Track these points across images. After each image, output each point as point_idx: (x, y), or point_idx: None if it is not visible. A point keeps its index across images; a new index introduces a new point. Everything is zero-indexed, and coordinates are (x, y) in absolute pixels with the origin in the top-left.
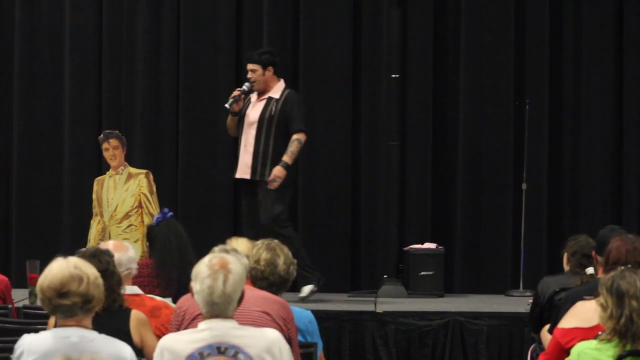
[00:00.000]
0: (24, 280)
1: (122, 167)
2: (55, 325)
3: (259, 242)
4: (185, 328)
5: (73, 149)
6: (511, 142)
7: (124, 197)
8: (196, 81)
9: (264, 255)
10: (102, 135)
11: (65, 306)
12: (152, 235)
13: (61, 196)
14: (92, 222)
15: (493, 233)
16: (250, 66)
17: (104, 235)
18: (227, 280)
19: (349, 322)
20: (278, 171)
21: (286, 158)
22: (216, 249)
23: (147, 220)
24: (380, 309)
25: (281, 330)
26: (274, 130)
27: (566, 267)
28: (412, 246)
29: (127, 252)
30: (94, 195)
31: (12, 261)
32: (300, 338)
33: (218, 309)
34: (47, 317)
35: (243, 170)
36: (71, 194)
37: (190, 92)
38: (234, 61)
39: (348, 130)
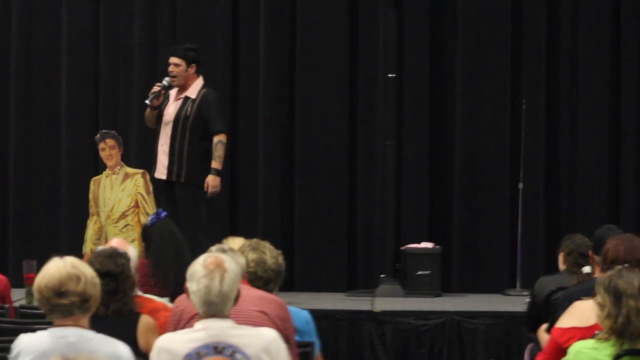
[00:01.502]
0: (20, 280)
1: (118, 167)
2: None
3: (241, 246)
4: (183, 328)
5: (70, 148)
6: (508, 141)
7: (120, 196)
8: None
9: (251, 256)
10: (98, 135)
11: (63, 306)
12: (147, 235)
13: (58, 196)
14: (88, 221)
15: (490, 232)
16: (173, 59)
17: (101, 234)
18: (223, 279)
19: (346, 322)
20: (212, 180)
21: (215, 164)
22: (213, 248)
23: (143, 220)
24: (378, 308)
25: (278, 330)
26: (189, 130)
27: (562, 267)
28: (409, 245)
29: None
30: (90, 195)
31: (9, 261)
32: (297, 338)
33: (215, 308)
34: (44, 317)
35: (160, 170)
36: (68, 193)
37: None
38: (230, 61)
39: (345, 130)
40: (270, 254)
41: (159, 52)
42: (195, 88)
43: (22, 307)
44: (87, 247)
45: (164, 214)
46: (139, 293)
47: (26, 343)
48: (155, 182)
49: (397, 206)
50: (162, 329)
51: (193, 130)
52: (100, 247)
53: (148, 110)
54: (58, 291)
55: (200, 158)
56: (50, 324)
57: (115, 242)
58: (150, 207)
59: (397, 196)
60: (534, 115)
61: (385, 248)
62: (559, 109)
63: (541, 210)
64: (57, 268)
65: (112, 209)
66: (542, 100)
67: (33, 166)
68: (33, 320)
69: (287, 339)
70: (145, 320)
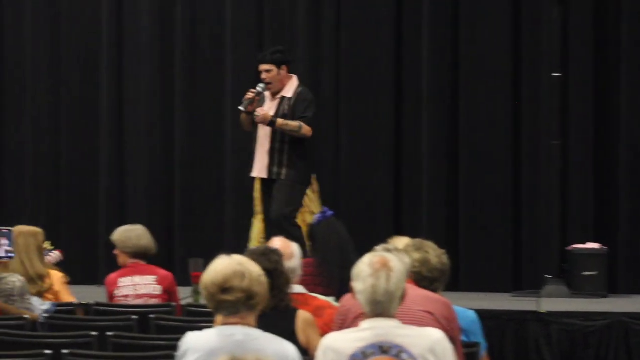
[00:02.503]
0: (187, 278)
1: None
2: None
3: (405, 246)
4: (349, 327)
5: (235, 147)
6: None
7: None
8: (357, 81)
9: (415, 256)
10: None
11: (228, 302)
12: (313, 234)
13: (223, 194)
14: (254, 220)
15: None
16: (263, 67)
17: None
18: (389, 278)
19: (512, 322)
20: (265, 114)
21: (280, 120)
22: (378, 248)
23: (309, 219)
24: (544, 309)
25: (444, 330)
26: None
27: None
28: (575, 246)
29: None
30: (255, 194)
31: (176, 260)
32: (463, 338)
33: (381, 307)
34: (210, 315)
35: (259, 170)
36: (233, 192)
37: (351, 91)
38: (394, 59)
39: (509, 130)
40: (434, 254)
41: (323, 50)
42: (291, 87)
43: (188, 305)
44: (253, 246)
45: (329, 213)
46: (304, 291)
47: (194, 341)
48: (251, 181)
49: (562, 206)
50: (327, 327)
51: (285, 120)
52: (252, 247)
53: (243, 114)
54: (223, 287)
55: (299, 156)
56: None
57: (277, 241)
58: (316, 206)
59: (563, 196)
60: None
61: (551, 248)
62: None
63: None
64: (223, 265)
65: None
66: None
67: (198, 165)
68: (199, 319)
69: (452, 339)
70: (303, 315)
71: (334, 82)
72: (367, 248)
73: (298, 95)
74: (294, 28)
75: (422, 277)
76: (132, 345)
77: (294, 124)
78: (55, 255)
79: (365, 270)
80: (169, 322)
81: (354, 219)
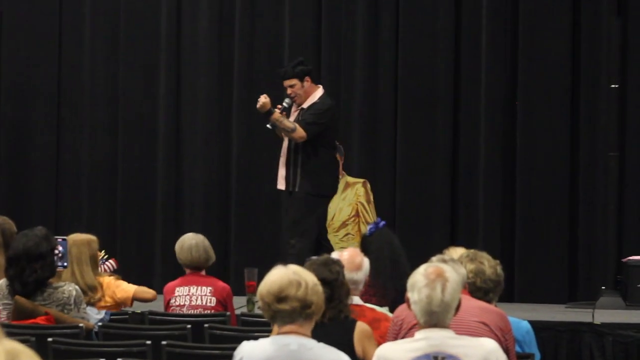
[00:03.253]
0: (242, 288)
1: (340, 176)
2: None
3: (459, 257)
4: (403, 337)
5: None
6: None
7: (341, 206)
8: (414, 88)
9: (469, 267)
10: None
11: (284, 312)
12: (366, 244)
13: (278, 204)
14: None
15: None
16: (287, 82)
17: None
18: (445, 288)
19: (566, 333)
20: (265, 102)
21: (276, 114)
22: (434, 258)
23: (364, 229)
24: (598, 320)
25: (498, 341)
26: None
27: None
28: (631, 257)
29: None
30: None
31: (231, 269)
32: (517, 349)
33: (436, 318)
34: (264, 324)
35: (280, 181)
36: None
37: (408, 99)
38: (453, 67)
39: (566, 141)
40: (489, 264)
41: (381, 59)
42: (312, 98)
43: (243, 314)
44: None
45: (382, 223)
46: (361, 302)
47: (248, 350)
48: (276, 192)
49: (618, 217)
50: (382, 340)
51: (306, 139)
52: (314, 257)
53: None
54: (278, 296)
55: (313, 167)
56: (271, 332)
57: (348, 252)
58: (370, 216)
59: (619, 207)
60: None
61: (607, 260)
62: None
63: None
64: (279, 275)
65: (332, 218)
66: None
67: (254, 174)
68: (254, 328)
69: (507, 350)
70: (361, 327)
71: (392, 94)
72: (422, 258)
73: (312, 104)
74: (352, 39)
75: (476, 288)
76: (185, 355)
77: (289, 123)
78: (109, 264)
79: (420, 280)
80: (223, 331)
81: (410, 229)
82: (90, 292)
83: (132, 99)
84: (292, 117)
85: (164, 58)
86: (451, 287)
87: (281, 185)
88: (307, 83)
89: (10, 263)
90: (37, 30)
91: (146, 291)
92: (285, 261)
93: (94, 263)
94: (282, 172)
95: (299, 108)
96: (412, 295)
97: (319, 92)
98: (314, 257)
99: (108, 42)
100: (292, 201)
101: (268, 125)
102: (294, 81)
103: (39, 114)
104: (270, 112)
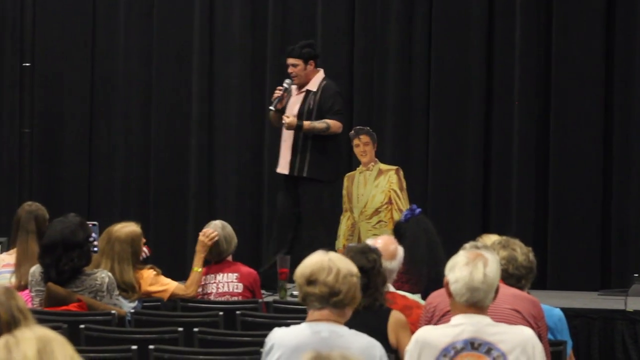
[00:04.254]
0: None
1: (372, 163)
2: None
3: (492, 244)
4: (435, 324)
5: None
6: None
7: (374, 193)
8: (447, 77)
9: (502, 253)
10: (352, 132)
11: (313, 295)
12: (401, 231)
13: None
14: (342, 217)
15: None
16: (291, 60)
17: (354, 231)
18: (486, 265)
19: (598, 321)
20: (292, 120)
21: (307, 123)
22: (467, 245)
23: (396, 216)
24: (631, 307)
25: (531, 328)
26: None
27: None
28: None
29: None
30: (344, 191)
31: (263, 257)
32: (549, 336)
33: (478, 295)
34: (296, 312)
35: (283, 166)
36: None
37: (441, 88)
38: (485, 59)
39: (600, 129)
40: (521, 251)
41: (414, 48)
42: (316, 81)
43: (275, 301)
44: (340, 243)
45: (418, 210)
46: (392, 289)
47: (280, 337)
48: (277, 177)
49: None
50: (414, 327)
51: (310, 121)
52: (352, 244)
53: (272, 113)
54: (308, 279)
55: (323, 152)
56: (302, 319)
57: (382, 240)
58: (403, 203)
59: None
60: None
61: (639, 247)
62: None
63: None
64: (315, 259)
65: (365, 205)
66: None
67: None
68: (286, 315)
69: (539, 337)
70: (395, 316)
71: (425, 82)
72: (455, 246)
73: (323, 89)
74: (385, 30)
75: (508, 275)
76: (217, 341)
77: (321, 125)
78: (143, 251)
79: (461, 260)
80: (255, 318)
81: (443, 216)
82: (126, 292)
83: (165, 87)
84: (298, 100)
85: (196, 47)
86: (492, 266)
87: (284, 169)
88: (310, 67)
89: (46, 251)
90: (70, 18)
91: (185, 289)
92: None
93: (136, 258)
94: (286, 157)
95: (305, 91)
96: (453, 274)
97: (320, 75)
98: (352, 245)
99: (141, 30)
100: (304, 189)
101: (271, 107)
102: (299, 61)
103: (72, 101)
104: (299, 127)
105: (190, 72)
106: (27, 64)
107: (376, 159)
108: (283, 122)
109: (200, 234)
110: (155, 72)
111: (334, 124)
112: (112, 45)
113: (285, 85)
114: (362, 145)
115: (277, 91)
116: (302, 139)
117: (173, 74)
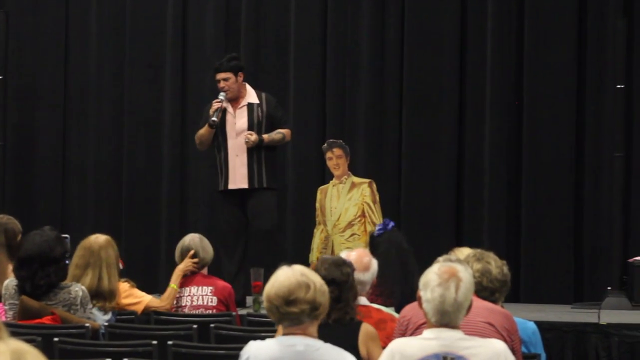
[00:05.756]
0: (248, 288)
1: (345, 177)
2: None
3: (466, 256)
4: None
5: (297, 158)
6: None
7: (347, 206)
8: (419, 90)
9: (476, 266)
10: (325, 145)
11: (293, 314)
12: (374, 245)
13: (284, 205)
14: (315, 230)
15: None
16: (221, 75)
17: (327, 244)
18: (458, 288)
19: (571, 334)
20: (255, 138)
21: (266, 136)
22: (440, 259)
23: (370, 229)
24: (604, 320)
25: (505, 341)
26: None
27: None
28: (637, 258)
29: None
30: (317, 204)
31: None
32: (523, 349)
33: (448, 317)
34: (271, 324)
35: (238, 181)
36: (294, 202)
37: (413, 101)
38: (458, 68)
39: (572, 141)
40: (495, 264)
41: (386, 60)
42: (252, 94)
43: (249, 314)
44: (314, 256)
45: (391, 224)
46: (367, 303)
47: (255, 350)
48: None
49: (624, 218)
50: (388, 340)
51: (267, 133)
52: (325, 256)
53: (206, 130)
54: (288, 299)
55: (274, 162)
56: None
57: (356, 252)
58: (376, 216)
59: (625, 208)
60: None
61: (612, 260)
62: None
63: None
64: (286, 276)
65: (338, 218)
66: None
67: None
68: (260, 328)
69: (513, 351)
70: (366, 328)
71: (397, 94)
72: (428, 259)
73: (267, 100)
74: (358, 43)
75: (482, 288)
76: (191, 355)
77: (278, 136)
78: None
79: (433, 279)
80: (229, 331)
81: (415, 229)
82: (108, 300)
83: (137, 98)
84: (241, 114)
85: (169, 57)
86: (464, 287)
87: (240, 184)
88: (240, 79)
89: (23, 264)
90: (43, 32)
91: (159, 302)
92: (280, 259)
93: (117, 266)
94: (241, 171)
95: (246, 105)
96: (425, 293)
97: (249, 87)
98: (326, 257)
99: (113, 43)
100: (260, 198)
101: (214, 119)
102: (229, 74)
103: (45, 114)
104: (261, 141)
105: (162, 84)
106: (0, 77)
107: (349, 172)
108: (246, 140)
109: (190, 260)
110: (128, 84)
111: (288, 133)
112: (85, 58)
113: (220, 97)
114: (335, 159)
115: (215, 103)
116: (257, 151)
117: (145, 86)
